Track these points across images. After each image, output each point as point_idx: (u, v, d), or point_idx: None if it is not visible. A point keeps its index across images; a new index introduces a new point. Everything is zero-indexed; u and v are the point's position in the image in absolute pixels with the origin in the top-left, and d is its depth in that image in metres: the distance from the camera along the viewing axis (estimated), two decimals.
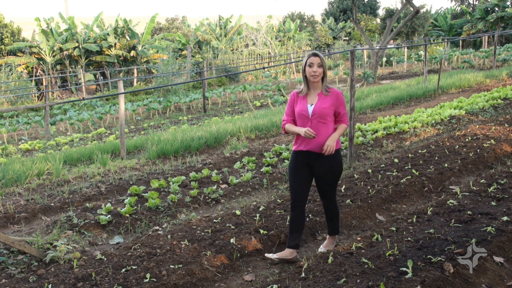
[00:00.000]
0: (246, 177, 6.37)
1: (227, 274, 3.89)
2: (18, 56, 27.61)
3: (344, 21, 43.73)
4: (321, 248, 4.11)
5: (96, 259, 4.11)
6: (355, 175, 6.11)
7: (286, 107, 3.97)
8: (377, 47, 19.49)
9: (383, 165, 6.48)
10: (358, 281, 3.25)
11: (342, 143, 7.85)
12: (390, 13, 37.80)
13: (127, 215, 5.19)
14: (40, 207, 5.74)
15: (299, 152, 3.85)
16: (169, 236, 4.45)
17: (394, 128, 8.84)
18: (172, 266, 3.82)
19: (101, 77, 29.44)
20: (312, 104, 3.79)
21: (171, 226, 4.92)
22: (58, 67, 28.62)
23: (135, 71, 29.34)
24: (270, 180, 6.38)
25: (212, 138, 9.18)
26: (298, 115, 3.82)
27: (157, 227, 4.93)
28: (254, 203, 5.41)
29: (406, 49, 29.94)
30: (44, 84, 23.65)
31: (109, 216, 5.12)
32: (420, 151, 7.03)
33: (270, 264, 4.05)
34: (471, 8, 43.52)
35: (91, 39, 29.29)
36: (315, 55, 3.74)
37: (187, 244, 4.25)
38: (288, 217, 4.37)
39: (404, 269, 3.30)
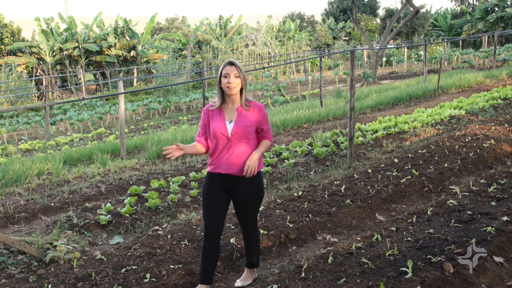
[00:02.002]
0: None
1: (227, 274, 3.89)
2: (18, 56, 27.61)
3: (344, 21, 43.73)
4: (238, 283, 3.62)
5: (96, 259, 4.11)
6: (355, 175, 6.11)
7: (200, 123, 3.43)
8: (377, 47, 19.50)
9: (383, 165, 6.48)
10: (358, 281, 3.25)
11: (342, 142, 7.85)
12: (390, 13, 37.82)
13: (127, 215, 5.19)
14: (40, 207, 5.74)
15: (216, 175, 3.31)
16: (169, 236, 4.46)
17: (394, 128, 8.84)
18: (172, 266, 3.82)
19: (101, 77, 29.44)
20: (231, 121, 3.26)
21: (171, 226, 4.92)
22: (58, 67, 28.63)
23: (135, 71, 29.34)
24: (270, 180, 6.38)
25: None
26: (215, 134, 3.25)
27: (157, 227, 4.93)
28: None
29: (406, 49, 29.94)
30: (44, 84, 23.65)
31: (109, 216, 5.12)
32: (420, 151, 7.03)
33: (270, 264, 4.05)
34: (471, 8, 43.55)
35: (91, 39, 29.29)
36: (231, 63, 3.23)
37: (187, 244, 4.25)
38: (246, 234, 3.66)
39: (404, 269, 3.30)
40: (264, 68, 9.15)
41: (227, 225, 4.64)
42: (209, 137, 3.32)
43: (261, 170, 3.43)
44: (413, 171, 5.95)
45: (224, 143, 3.25)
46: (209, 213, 3.32)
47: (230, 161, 3.25)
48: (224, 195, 3.35)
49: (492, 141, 7.18)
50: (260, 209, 5.04)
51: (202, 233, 4.49)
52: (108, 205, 5.33)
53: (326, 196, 5.32)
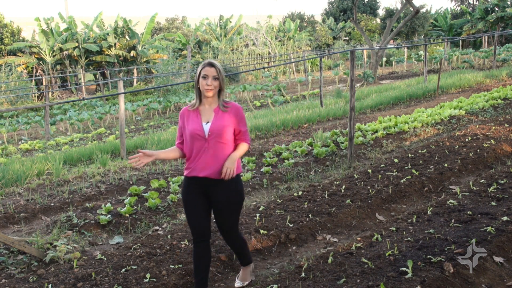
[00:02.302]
0: (246, 177, 6.37)
1: (227, 274, 3.89)
2: (18, 56, 27.62)
3: (344, 21, 43.74)
4: (238, 283, 3.61)
5: (96, 259, 4.11)
6: (355, 175, 6.11)
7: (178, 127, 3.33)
8: (377, 47, 19.49)
9: (383, 165, 6.48)
10: (358, 281, 3.25)
11: (342, 142, 7.86)
12: (390, 13, 37.83)
13: (127, 215, 5.19)
14: (40, 207, 5.74)
15: (193, 179, 3.20)
16: (169, 236, 4.46)
17: (394, 128, 8.84)
18: (172, 266, 3.82)
19: (101, 77, 29.44)
20: (208, 122, 3.17)
21: (171, 226, 4.92)
22: (58, 67, 28.63)
23: (135, 71, 29.35)
24: (270, 180, 6.38)
25: None
26: (192, 135, 3.15)
27: (157, 227, 4.93)
28: (254, 203, 5.41)
29: (406, 49, 29.94)
30: (44, 84, 23.66)
31: (109, 216, 5.12)
32: (420, 151, 7.03)
33: (270, 264, 4.05)
34: (471, 8, 43.55)
35: (91, 39, 29.30)
36: (210, 65, 3.13)
37: (187, 244, 4.25)
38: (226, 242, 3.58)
39: (404, 269, 3.30)
40: (264, 68, 9.15)
41: None
42: (185, 139, 3.21)
43: (240, 173, 3.30)
44: (413, 171, 5.96)
45: (201, 144, 3.14)
46: (192, 218, 3.21)
47: (207, 163, 3.13)
48: (204, 199, 3.22)
49: (492, 141, 7.18)
50: (260, 209, 5.04)
51: None
52: (108, 205, 5.34)
53: (326, 196, 5.32)
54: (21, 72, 26.95)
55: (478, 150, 6.78)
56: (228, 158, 3.14)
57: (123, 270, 3.82)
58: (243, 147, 3.25)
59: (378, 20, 44.90)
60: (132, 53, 29.42)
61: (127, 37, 30.74)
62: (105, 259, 4.08)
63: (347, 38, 43.26)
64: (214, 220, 3.36)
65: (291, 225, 4.56)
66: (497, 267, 3.48)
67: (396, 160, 6.62)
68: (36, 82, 27.07)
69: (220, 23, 35.14)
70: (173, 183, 6.23)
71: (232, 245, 3.46)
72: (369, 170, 6.25)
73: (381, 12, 46.63)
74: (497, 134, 7.70)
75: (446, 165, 6.18)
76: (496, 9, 37.45)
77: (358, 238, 4.10)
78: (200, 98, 3.21)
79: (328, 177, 6.44)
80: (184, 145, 3.25)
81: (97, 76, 30.69)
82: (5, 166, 7.56)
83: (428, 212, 4.56)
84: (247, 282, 3.60)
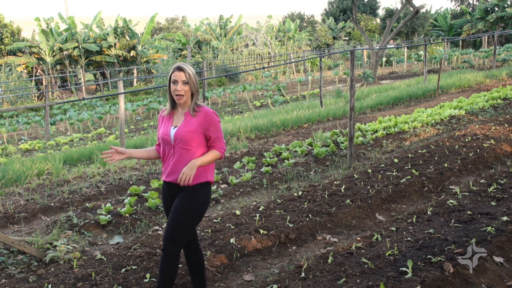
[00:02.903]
0: (246, 177, 6.37)
1: (227, 274, 3.89)
2: (18, 56, 27.62)
3: (344, 21, 43.74)
4: None
5: (96, 259, 4.11)
6: (355, 175, 6.11)
7: None
8: (377, 47, 19.49)
9: (383, 165, 6.48)
10: (358, 281, 3.25)
11: (342, 142, 7.86)
12: (390, 13, 37.82)
13: (127, 215, 5.19)
14: (40, 207, 5.74)
15: (164, 183, 3.18)
16: None
17: (394, 128, 8.84)
18: None
19: (101, 77, 29.44)
20: (176, 127, 3.08)
21: None
22: (58, 67, 28.64)
23: (135, 71, 29.35)
24: (270, 180, 6.38)
25: None
26: (161, 139, 3.12)
27: (157, 227, 4.93)
28: (254, 203, 5.41)
29: (406, 49, 29.94)
30: (44, 84, 23.66)
31: (109, 216, 5.12)
32: (420, 151, 7.03)
33: (270, 264, 4.05)
34: (471, 8, 43.55)
35: (91, 39, 29.30)
36: (179, 69, 3.00)
37: None
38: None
39: (404, 269, 3.30)
40: (264, 68, 9.15)
41: (227, 225, 4.64)
42: (160, 143, 3.18)
43: (209, 182, 3.12)
44: (413, 171, 5.95)
45: (169, 149, 3.09)
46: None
47: (171, 168, 3.07)
48: (172, 202, 3.13)
49: (492, 141, 7.18)
50: (260, 209, 5.03)
51: (202, 233, 4.49)
52: (108, 205, 5.34)
53: (326, 196, 5.32)
54: (21, 72, 26.96)
55: (478, 150, 6.78)
56: (188, 164, 2.99)
57: (123, 270, 3.82)
58: (212, 154, 3.07)
59: (378, 20, 44.90)
60: (132, 53, 29.43)
61: (127, 37, 30.74)
62: (105, 259, 4.08)
63: (347, 38, 43.26)
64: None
65: (291, 225, 4.56)
66: (497, 267, 3.48)
67: (396, 160, 6.62)
68: (36, 82, 27.08)
69: (220, 23, 35.14)
70: None
71: (191, 258, 3.22)
72: (369, 170, 6.25)
73: (381, 12, 46.65)
74: (497, 134, 7.70)
75: (446, 165, 6.18)
76: (496, 9, 37.46)
77: (358, 238, 4.10)
78: (174, 103, 3.12)
79: (328, 177, 6.44)
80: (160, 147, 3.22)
81: (97, 76, 30.69)
82: (5, 166, 7.55)
83: (428, 212, 4.56)
84: None
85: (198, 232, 4.53)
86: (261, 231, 4.41)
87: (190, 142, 3.03)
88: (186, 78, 3.00)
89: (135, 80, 28.00)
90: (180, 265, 3.84)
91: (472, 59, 24.20)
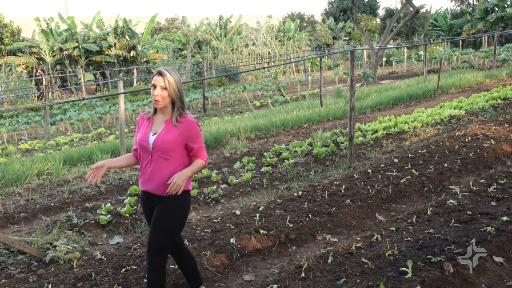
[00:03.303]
0: (246, 177, 6.37)
1: (227, 274, 3.89)
2: (18, 56, 27.62)
3: (344, 21, 43.74)
4: None
5: (96, 259, 4.11)
6: (355, 175, 6.11)
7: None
8: (377, 47, 19.49)
9: (383, 165, 6.48)
10: (358, 281, 3.25)
11: (342, 142, 7.86)
12: (390, 13, 37.82)
13: (127, 215, 5.20)
14: (40, 207, 5.74)
15: (142, 191, 3.09)
16: None
17: (394, 128, 8.84)
18: (172, 266, 3.82)
19: (101, 77, 29.45)
20: (155, 134, 2.98)
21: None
22: (58, 67, 28.64)
23: (135, 71, 29.34)
24: (270, 180, 6.38)
25: (212, 138, 9.19)
26: (139, 144, 3.01)
27: None
28: (254, 203, 5.41)
29: (406, 49, 29.94)
30: (44, 84, 23.66)
31: (109, 216, 5.12)
32: (420, 151, 7.03)
33: (270, 264, 4.05)
34: (471, 8, 43.55)
35: (91, 39, 29.30)
36: (159, 73, 2.92)
37: (187, 244, 4.25)
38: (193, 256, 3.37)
39: (404, 269, 3.30)
40: (264, 68, 9.15)
41: (227, 225, 4.64)
42: (137, 148, 3.06)
43: (188, 191, 3.05)
44: (413, 171, 5.96)
45: (146, 156, 2.98)
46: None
47: (148, 176, 2.97)
48: (152, 212, 3.05)
49: (492, 141, 7.18)
50: (260, 209, 5.03)
51: (202, 233, 4.49)
52: (108, 205, 5.34)
53: (326, 196, 5.32)
54: (21, 72, 26.96)
55: (478, 150, 6.78)
56: (180, 173, 2.89)
57: (123, 270, 3.82)
58: (198, 164, 2.99)
59: (378, 20, 44.90)
60: (132, 53, 29.43)
61: (127, 37, 30.74)
62: (105, 259, 4.08)
63: (347, 38, 43.26)
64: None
65: (291, 225, 4.56)
66: (497, 267, 3.48)
67: (396, 160, 6.62)
68: (36, 82, 27.08)
69: (220, 23, 35.13)
70: None
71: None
72: (369, 170, 6.25)
73: (381, 12, 46.66)
74: (497, 134, 7.70)
75: (446, 165, 6.18)
76: (496, 9, 37.45)
77: (358, 238, 4.10)
78: (156, 108, 3.03)
79: (328, 177, 6.44)
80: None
81: (97, 76, 30.69)
82: (5, 166, 7.55)
83: (428, 212, 4.56)
84: None
85: (198, 232, 4.53)
86: (261, 231, 4.41)
87: (169, 152, 2.94)
88: (164, 83, 2.90)
89: (135, 80, 27.99)
90: None
91: (472, 59, 24.19)
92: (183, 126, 2.96)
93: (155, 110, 3.04)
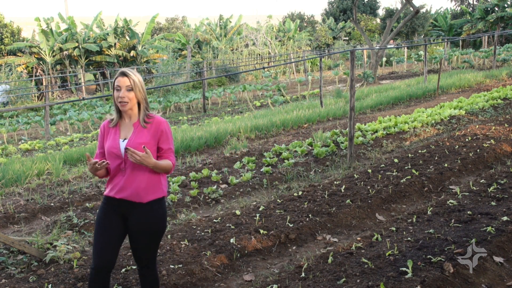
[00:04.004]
0: (246, 177, 6.37)
1: (227, 274, 3.89)
2: (18, 56, 27.63)
3: (344, 21, 43.74)
4: None
5: None
6: (355, 175, 6.11)
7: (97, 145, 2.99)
8: (377, 47, 19.50)
9: (383, 165, 6.48)
10: (358, 281, 3.25)
11: (342, 142, 7.86)
12: (390, 13, 37.82)
13: None
14: (40, 207, 5.74)
15: (111, 199, 2.89)
16: (169, 236, 4.45)
17: (394, 128, 8.84)
18: (172, 266, 3.82)
19: (101, 77, 29.46)
20: (125, 139, 2.85)
21: (171, 226, 4.92)
22: (58, 67, 28.64)
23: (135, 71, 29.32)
24: (270, 180, 6.38)
25: (212, 138, 9.19)
26: (109, 153, 2.85)
27: None
28: (254, 203, 5.41)
29: (406, 49, 29.94)
30: (44, 84, 23.65)
31: None
32: (420, 151, 7.03)
33: (270, 264, 4.05)
34: (471, 8, 43.55)
35: (91, 39, 29.31)
36: (123, 74, 2.80)
37: (187, 244, 4.25)
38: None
39: (404, 269, 3.30)
40: (264, 68, 9.15)
41: (227, 225, 4.64)
42: (106, 157, 2.89)
43: (164, 197, 2.95)
44: (413, 171, 5.95)
45: (118, 163, 2.83)
46: (100, 243, 2.86)
47: (124, 184, 2.82)
48: (119, 223, 2.89)
49: (492, 141, 7.18)
50: (260, 209, 5.03)
51: (202, 233, 4.49)
52: None
53: (326, 196, 5.32)
54: (21, 72, 26.96)
55: (478, 150, 6.78)
56: (149, 156, 2.71)
57: (123, 270, 3.82)
58: (166, 163, 2.83)
59: (378, 20, 44.89)
60: (132, 53, 29.43)
61: (127, 37, 30.74)
62: None
63: (347, 38, 43.26)
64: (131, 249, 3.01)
65: (291, 225, 4.56)
66: (497, 267, 3.48)
67: (396, 160, 6.62)
68: (36, 82, 27.07)
69: (220, 23, 35.14)
70: (173, 183, 6.23)
71: (143, 280, 3.00)
72: (369, 170, 6.25)
73: (381, 12, 46.66)
74: (497, 134, 7.70)
75: (446, 165, 6.18)
76: (496, 9, 37.46)
77: (358, 238, 4.10)
78: (120, 113, 2.89)
79: (328, 177, 6.44)
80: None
81: (97, 76, 30.69)
82: (5, 166, 7.55)
83: (428, 212, 4.56)
84: None
85: (198, 232, 4.53)
86: (261, 231, 4.41)
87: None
88: (130, 83, 2.79)
89: None
90: (180, 265, 3.84)
91: (472, 59, 24.19)
92: (154, 126, 2.86)
93: (120, 115, 2.89)
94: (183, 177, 6.48)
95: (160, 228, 2.92)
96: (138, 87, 2.82)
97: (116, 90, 2.81)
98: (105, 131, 2.93)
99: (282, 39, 36.19)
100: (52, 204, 5.85)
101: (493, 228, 3.91)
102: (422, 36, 38.63)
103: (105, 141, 2.91)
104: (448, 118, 9.66)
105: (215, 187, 6.08)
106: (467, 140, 7.47)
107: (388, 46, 24.81)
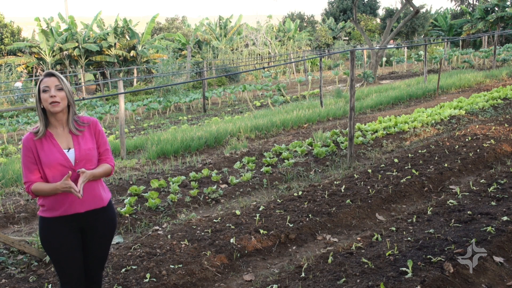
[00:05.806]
0: (246, 177, 6.37)
1: (227, 274, 3.89)
2: (18, 56, 27.65)
3: (344, 21, 43.75)
4: None
5: None
6: (355, 175, 6.11)
7: (23, 161, 2.63)
8: (377, 47, 19.49)
9: (383, 165, 6.48)
10: (358, 281, 3.25)
11: (342, 142, 7.86)
12: (390, 13, 37.82)
13: (127, 215, 5.19)
14: None
15: (63, 218, 2.65)
16: (169, 236, 4.46)
17: (394, 128, 8.84)
18: (172, 266, 3.82)
19: (101, 77, 29.46)
20: (70, 148, 2.64)
21: (171, 226, 4.92)
22: (58, 67, 28.64)
23: (135, 71, 29.35)
24: (270, 180, 6.38)
25: (212, 138, 9.19)
26: (54, 166, 2.59)
27: (157, 227, 4.93)
28: (254, 203, 5.41)
29: (406, 49, 29.94)
30: None
31: None
32: (420, 151, 7.03)
33: (270, 264, 4.05)
34: (471, 8, 43.56)
35: (91, 39, 29.33)
36: (50, 74, 2.62)
37: (187, 244, 4.25)
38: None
39: (404, 269, 3.30)
40: (264, 68, 9.15)
41: (227, 225, 4.64)
42: (45, 173, 2.61)
43: (111, 199, 2.86)
44: (413, 171, 5.95)
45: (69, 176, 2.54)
46: (70, 264, 2.68)
47: (83, 195, 2.63)
48: (79, 240, 2.73)
49: (492, 141, 7.18)
50: (260, 209, 5.03)
51: (202, 233, 4.48)
52: None
53: (326, 196, 5.32)
54: (21, 72, 26.97)
55: (478, 150, 6.78)
56: (87, 172, 2.57)
57: (123, 270, 3.82)
58: (104, 167, 2.72)
59: (378, 20, 44.91)
60: (132, 53, 29.44)
61: (127, 37, 30.76)
62: None
63: (347, 38, 43.27)
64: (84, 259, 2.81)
65: (291, 225, 4.56)
66: (497, 267, 3.48)
67: (396, 160, 6.62)
68: (36, 82, 27.08)
69: (220, 23, 35.14)
70: (173, 183, 6.23)
71: None
72: (369, 170, 6.25)
73: (381, 12, 46.67)
74: (497, 134, 7.70)
75: (446, 165, 6.18)
76: (496, 9, 37.46)
77: (358, 238, 4.10)
78: (48, 120, 2.65)
79: (328, 177, 6.44)
80: (44, 180, 2.63)
81: (97, 76, 30.71)
82: (5, 166, 7.56)
83: (428, 212, 4.56)
84: None
85: (198, 232, 4.53)
86: (261, 231, 4.41)
87: (93, 160, 2.70)
88: (59, 83, 2.61)
89: (135, 80, 28.00)
90: (180, 265, 3.84)
91: (472, 59, 24.20)
92: (91, 128, 2.74)
93: (47, 124, 2.65)
94: (183, 177, 6.48)
95: (116, 224, 2.88)
96: (67, 87, 2.65)
97: (43, 92, 2.60)
98: (36, 145, 2.61)
99: (282, 39, 36.19)
100: None
101: (493, 228, 3.91)
102: (422, 36, 38.64)
103: (40, 155, 2.60)
104: (448, 118, 9.66)
105: (215, 187, 6.08)
106: (467, 140, 7.47)
107: (388, 46, 24.81)
